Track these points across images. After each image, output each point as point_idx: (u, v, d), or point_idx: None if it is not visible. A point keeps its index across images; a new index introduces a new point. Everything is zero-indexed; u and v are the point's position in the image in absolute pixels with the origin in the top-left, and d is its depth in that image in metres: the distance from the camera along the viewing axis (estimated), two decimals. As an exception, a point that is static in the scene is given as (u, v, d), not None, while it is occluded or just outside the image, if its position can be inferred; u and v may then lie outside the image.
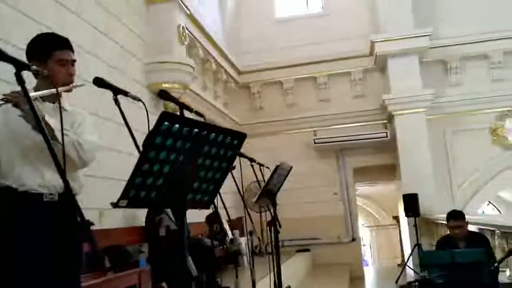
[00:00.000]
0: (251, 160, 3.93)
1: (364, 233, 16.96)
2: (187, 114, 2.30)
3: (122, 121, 1.87)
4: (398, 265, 11.41)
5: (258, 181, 3.75)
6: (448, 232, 4.43)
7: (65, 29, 4.68)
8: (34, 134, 1.93)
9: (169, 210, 2.51)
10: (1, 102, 1.74)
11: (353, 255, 10.03)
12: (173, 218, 1.91)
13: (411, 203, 8.48)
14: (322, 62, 10.34)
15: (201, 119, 2.48)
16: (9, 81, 3.65)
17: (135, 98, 2.02)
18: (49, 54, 2.13)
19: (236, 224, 8.85)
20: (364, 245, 16.50)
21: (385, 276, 9.91)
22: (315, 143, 10.02)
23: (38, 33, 4.27)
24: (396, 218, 10.87)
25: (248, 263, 7.60)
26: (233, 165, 4.05)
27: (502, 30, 9.39)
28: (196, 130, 1.59)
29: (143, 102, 1.99)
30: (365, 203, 16.20)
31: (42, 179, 1.99)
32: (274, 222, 3.61)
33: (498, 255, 4.39)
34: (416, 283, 3.66)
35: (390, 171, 10.40)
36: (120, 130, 5.12)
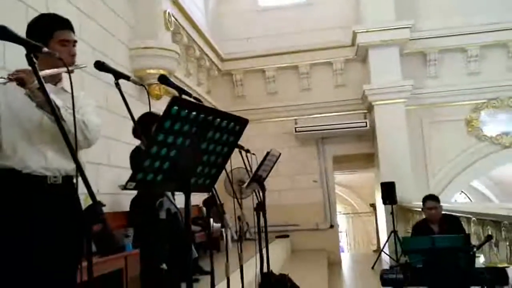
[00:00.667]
0: (240, 147, 3.99)
1: (341, 220, 17.28)
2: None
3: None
4: (374, 251, 11.71)
5: (246, 167, 3.82)
6: (423, 217, 4.62)
7: (50, 11, 4.64)
8: (38, 113, 1.95)
9: (169, 194, 2.57)
10: (6, 80, 1.74)
11: (331, 242, 10.23)
12: (173, 201, 1.98)
13: (388, 191, 8.69)
14: (305, 51, 10.41)
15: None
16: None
17: (137, 82, 2.06)
18: (51, 34, 2.12)
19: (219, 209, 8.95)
20: (340, 232, 16.83)
21: (361, 262, 10.15)
22: (296, 131, 10.13)
23: (23, 14, 4.24)
24: (373, 205, 11.10)
25: (233, 247, 7.73)
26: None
27: (480, 24, 9.62)
28: (202, 115, 1.65)
29: (145, 87, 2.03)
30: (343, 191, 16.46)
31: (45, 161, 2.00)
32: (263, 207, 3.68)
33: (474, 241, 4.58)
34: (398, 268, 3.79)
35: (369, 159, 10.61)
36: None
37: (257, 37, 10.61)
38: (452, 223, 4.46)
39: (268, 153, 3.66)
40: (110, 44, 5.85)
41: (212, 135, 1.76)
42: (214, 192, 2.31)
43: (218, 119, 1.74)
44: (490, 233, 4.64)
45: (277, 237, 10.01)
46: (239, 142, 5.62)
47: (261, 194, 3.66)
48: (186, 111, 1.57)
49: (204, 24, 9.57)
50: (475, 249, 3.55)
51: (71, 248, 2.03)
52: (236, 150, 4.11)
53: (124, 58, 6.22)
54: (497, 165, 10.13)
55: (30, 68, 1.92)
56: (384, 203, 8.79)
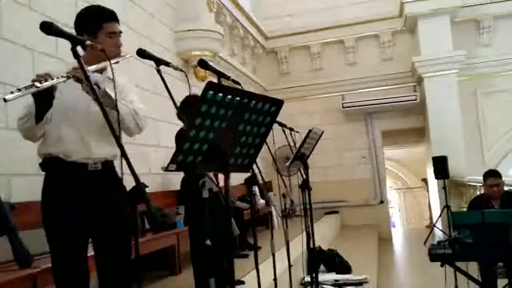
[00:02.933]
0: (283, 125, 4.03)
1: (393, 196, 17.03)
2: (224, 82, 2.42)
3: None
4: (426, 226, 11.50)
5: (289, 145, 3.86)
6: (483, 192, 4.47)
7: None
8: (86, 105, 2.07)
9: (211, 174, 2.67)
10: (65, 78, 1.85)
11: (381, 217, 10.15)
12: (215, 181, 2.06)
13: (440, 165, 8.46)
14: (350, 25, 10.22)
15: (238, 87, 2.58)
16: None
17: (177, 68, 2.12)
18: (99, 26, 2.21)
19: (267, 187, 9.09)
20: (392, 207, 16.62)
21: (413, 237, 10.03)
22: (343, 107, 10.02)
23: (67, 4, 4.41)
24: (425, 180, 10.87)
25: (281, 224, 7.86)
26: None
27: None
28: (237, 98, 1.70)
29: (184, 72, 2.09)
30: (393, 166, 16.17)
31: (89, 151, 2.12)
32: (307, 184, 3.73)
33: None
34: (446, 243, 3.74)
35: (419, 134, 10.36)
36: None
37: (300, 13, 10.49)
38: (515, 199, 4.28)
39: (310, 131, 3.68)
40: (154, 28, 5.99)
41: (249, 117, 1.81)
42: (257, 170, 2.37)
43: (253, 102, 1.79)
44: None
45: (327, 213, 10.06)
46: (283, 121, 5.77)
47: (304, 172, 3.68)
48: (221, 95, 1.63)
49: (248, 3, 9.56)
50: (526, 224, 3.44)
51: (117, 227, 2.15)
52: (280, 128, 4.15)
53: (169, 41, 6.35)
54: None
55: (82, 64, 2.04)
56: (436, 177, 8.58)
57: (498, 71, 9.40)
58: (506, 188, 4.81)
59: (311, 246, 3.76)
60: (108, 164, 2.20)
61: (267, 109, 1.88)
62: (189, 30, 6.45)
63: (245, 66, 9.49)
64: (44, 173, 2.17)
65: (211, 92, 1.60)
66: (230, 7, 8.21)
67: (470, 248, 3.81)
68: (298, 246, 4.53)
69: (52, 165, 2.13)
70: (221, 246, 2.72)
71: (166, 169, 1.63)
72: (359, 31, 10.24)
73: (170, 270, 4.46)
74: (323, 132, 4.04)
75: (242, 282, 3.82)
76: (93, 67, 2.10)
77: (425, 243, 8.47)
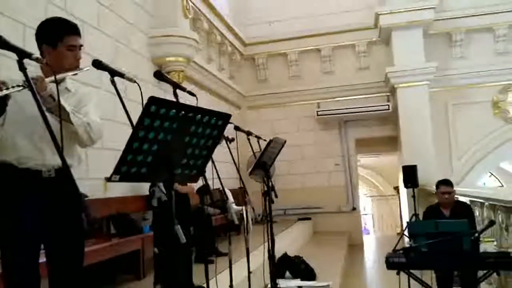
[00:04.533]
0: (248, 133, 4.11)
1: (367, 203, 17.25)
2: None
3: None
4: (397, 234, 11.69)
5: (254, 153, 3.94)
6: (436, 201, 4.63)
7: (69, 5, 4.84)
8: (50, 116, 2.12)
9: (161, 184, 2.74)
10: (21, 88, 1.87)
11: (353, 224, 10.32)
12: (164, 190, 2.13)
13: (410, 174, 8.63)
14: (327, 34, 10.40)
15: (194, 98, 2.65)
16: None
17: (131, 80, 2.18)
18: (60, 39, 2.27)
19: (239, 193, 9.16)
20: (366, 214, 16.82)
21: (384, 244, 10.17)
22: (318, 115, 10.17)
23: (45, 9, 4.44)
24: (397, 188, 11.06)
25: (250, 229, 7.93)
26: (232, 138, 4.26)
27: (508, 2, 9.34)
28: (182, 112, 1.78)
29: (138, 84, 2.14)
30: (368, 174, 16.40)
31: (43, 159, 2.16)
32: (268, 193, 3.81)
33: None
34: (401, 251, 3.86)
35: (392, 142, 10.55)
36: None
37: (279, 20, 10.64)
38: (463, 209, 4.46)
39: (271, 141, 3.77)
40: (129, 34, 6.03)
41: (195, 130, 1.89)
42: (206, 181, 2.45)
43: (199, 115, 1.86)
44: (501, 218, 4.65)
45: (300, 219, 10.18)
46: (262, 126, 5.95)
47: (266, 180, 3.77)
48: (165, 109, 1.70)
49: (226, 9, 9.65)
50: (477, 234, 3.58)
51: (69, 234, 2.20)
52: (245, 137, 4.24)
53: (143, 46, 6.40)
54: (525, 148, 9.91)
55: (43, 76, 2.09)
56: (406, 186, 8.75)
57: (469, 84, 9.66)
58: (462, 199, 4.99)
59: (271, 253, 3.81)
60: (62, 172, 2.24)
61: (214, 122, 1.96)
62: (163, 36, 6.50)
63: (222, 73, 9.56)
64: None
65: (154, 106, 1.67)
66: (206, 13, 8.29)
67: (425, 257, 3.94)
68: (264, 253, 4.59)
69: (4, 171, 2.17)
70: (170, 253, 2.81)
71: (109, 179, 1.69)
72: (335, 41, 10.42)
73: (135, 274, 4.49)
74: (285, 141, 4.13)
75: (204, 288, 3.88)
76: (61, 75, 2.16)
77: (394, 250, 8.62)
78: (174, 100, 2.41)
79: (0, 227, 2.16)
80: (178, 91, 2.42)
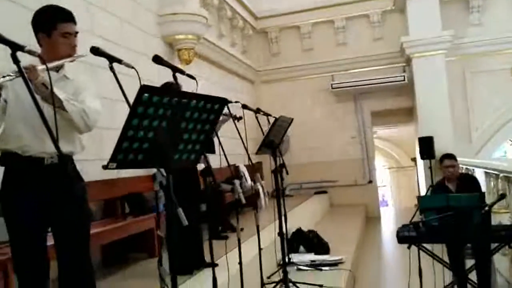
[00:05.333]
0: (256, 111, 4.10)
1: (385, 175, 17.17)
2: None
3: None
4: (415, 205, 11.65)
5: (262, 131, 3.93)
6: (442, 177, 4.61)
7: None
8: (41, 104, 2.15)
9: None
10: (13, 77, 1.90)
11: (369, 197, 10.32)
12: (165, 175, 2.15)
13: (426, 145, 8.58)
14: (340, 5, 10.19)
15: (194, 81, 2.66)
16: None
17: (128, 65, 2.17)
18: (54, 26, 2.28)
19: (257, 168, 9.24)
20: (384, 186, 16.76)
21: (402, 216, 10.15)
22: (332, 88, 10.07)
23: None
24: (414, 160, 10.98)
25: (265, 205, 8.01)
26: (239, 116, 4.27)
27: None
28: (176, 99, 1.79)
29: (136, 70, 2.15)
30: (386, 145, 16.26)
31: (44, 147, 2.20)
32: (276, 171, 3.83)
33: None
34: (411, 226, 3.86)
35: (409, 114, 10.43)
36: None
37: (291, -7, 10.44)
38: (469, 182, 4.41)
39: (277, 119, 3.75)
40: (138, 13, 6.00)
41: (190, 115, 1.90)
42: (208, 163, 2.48)
43: (194, 101, 1.87)
44: (515, 190, 4.59)
45: (316, 193, 10.21)
46: (274, 101, 6.00)
47: (279, 157, 3.78)
48: (158, 97, 1.71)
49: (237, -17, 9.52)
50: (487, 208, 3.55)
51: (74, 216, 2.25)
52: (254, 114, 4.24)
53: (153, 25, 6.37)
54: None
55: (34, 65, 2.11)
56: (422, 158, 8.71)
57: (487, 51, 9.40)
58: (477, 172, 4.93)
59: (281, 230, 3.85)
60: (65, 158, 2.29)
61: (209, 107, 1.96)
62: (172, 14, 6.46)
63: (235, 48, 9.50)
64: (3, 167, 2.28)
65: (146, 95, 1.68)
66: (216, -12, 8.19)
67: (435, 231, 3.94)
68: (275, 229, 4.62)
69: (9, 159, 2.23)
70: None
71: (106, 167, 1.72)
72: (349, 11, 10.22)
73: (148, 253, 4.59)
74: (292, 119, 4.11)
75: (216, 265, 3.95)
76: (53, 64, 2.17)
77: (410, 222, 8.60)
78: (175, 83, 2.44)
79: (6, 214, 2.24)
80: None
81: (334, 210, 9.86)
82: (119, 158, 1.75)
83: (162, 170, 1.98)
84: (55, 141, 1.61)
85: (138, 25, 5.98)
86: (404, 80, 9.56)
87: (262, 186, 7.99)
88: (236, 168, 7.90)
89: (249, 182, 7.72)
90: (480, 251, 4.07)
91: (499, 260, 4.95)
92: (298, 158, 10.36)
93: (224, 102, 2.01)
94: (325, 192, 10.29)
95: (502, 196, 3.79)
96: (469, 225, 3.75)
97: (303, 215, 7.56)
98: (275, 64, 10.70)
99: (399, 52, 9.79)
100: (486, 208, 3.57)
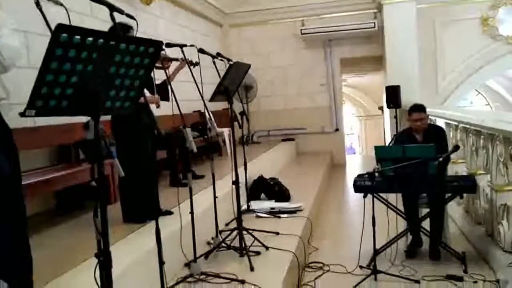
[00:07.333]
0: (213, 56, 3.92)
1: (354, 123, 17.31)
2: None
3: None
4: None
5: (220, 77, 3.76)
6: (409, 126, 4.52)
7: None
8: None
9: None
10: None
11: (336, 145, 10.38)
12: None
13: (393, 94, 8.55)
14: None
15: (133, 22, 2.47)
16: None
17: (56, 2, 2.00)
18: None
19: (222, 115, 9.09)
20: (352, 134, 16.96)
21: (367, 163, 10.30)
22: (302, 33, 9.83)
23: None
24: (382, 108, 11.02)
25: (231, 152, 7.96)
26: (196, 62, 4.07)
27: None
28: (101, 40, 1.62)
29: (65, 7, 1.97)
30: (355, 93, 16.27)
31: None
32: (232, 120, 3.71)
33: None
34: (366, 175, 3.86)
35: (378, 62, 10.34)
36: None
37: None
38: (436, 133, 4.34)
39: (231, 66, 3.59)
40: None
41: (121, 59, 1.74)
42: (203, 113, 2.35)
43: (123, 44, 1.71)
44: (472, 140, 4.62)
45: (283, 140, 10.21)
46: (243, 45, 5.77)
47: (242, 105, 3.66)
48: (79, 37, 1.55)
49: None
50: (441, 159, 3.56)
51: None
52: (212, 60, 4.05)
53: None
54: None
55: None
56: (388, 106, 8.71)
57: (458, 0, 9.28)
58: (439, 122, 4.92)
59: (238, 179, 3.79)
60: None
61: (143, 50, 1.81)
62: (130, -52, 6.04)
63: (200, -12, 9.07)
64: None
65: (64, 34, 1.51)
66: None
67: (392, 181, 3.96)
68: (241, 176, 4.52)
69: None
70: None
71: (23, 114, 1.57)
72: (321, -48, 9.82)
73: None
74: (249, 66, 3.95)
75: (170, 213, 3.91)
76: None
77: (374, 170, 8.72)
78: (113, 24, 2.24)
79: None
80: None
81: (300, 157, 9.91)
82: (38, 105, 1.59)
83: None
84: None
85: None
86: (374, 27, 9.39)
87: (228, 133, 7.90)
88: (202, 114, 7.75)
89: (215, 127, 7.61)
90: (434, 201, 4.12)
91: (453, 209, 5.09)
92: (266, 105, 10.27)
93: (159, 45, 1.86)
94: (292, 139, 10.29)
95: (455, 148, 3.81)
96: (424, 176, 3.78)
97: (267, 163, 7.56)
98: (243, 6, 10.32)
99: (371, -3, 9.57)
100: (441, 159, 3.59)
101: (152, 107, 3.50)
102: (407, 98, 8.62)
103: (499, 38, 9.25)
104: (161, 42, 1.86)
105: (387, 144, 9.72)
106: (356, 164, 11.47)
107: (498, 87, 13.17)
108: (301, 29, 9.81)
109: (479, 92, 13.83)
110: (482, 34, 9.33)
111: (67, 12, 1.97)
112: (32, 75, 1.55)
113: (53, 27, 1.51)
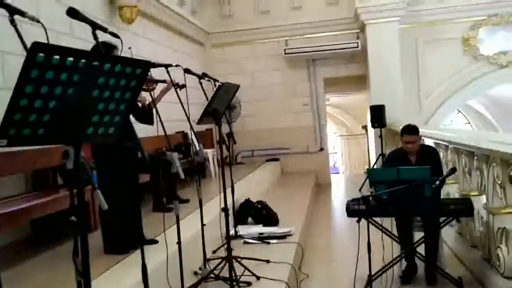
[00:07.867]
0: (200, 77, 3.77)
1: (336, 142, 17.29)
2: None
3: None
4: (365, 172, 11.76)
5: (207, 98, 3.60)
6: (400, 146, 4.40)
7: None
8: None
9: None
10: None
11: (320, 164, 10.28)
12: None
13: (377, 114, 8.52)
14: (295, -34, 9.79)
15: (118, 40, 2.31)
16: None
17: (33, 19, 1.83)
18: None
19: (206, 135, 8.90)
20: (335, 153, 16.91)
21: (352, 182, 10.22)
22: (285, 53, 9.79)
23: None
24: (365, 127, 10.99)
25: (215, 173, 7.77)
26: (182, 84, 3.91)
27: None
28: (83, 60, 1.45)
29: (42, 24, 1.80)
30: (338, 112, 16.27)
31: None
32: (221, 141, 3.54)
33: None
34: (361, 200, 3.71)
35: (361, 81, 10.33)
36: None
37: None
38: (430, 154, 4.23)
39: (220, 87, 3.43)
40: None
41: (105, 81, 1.57)
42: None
43: (108, 65, 1.54)
44: (464, 161, 4.53)
45: (267, 160, 10.06)
46: (229, 65, 5.60)
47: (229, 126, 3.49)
48: (58, 57, 1.37)
49: None
50: (437, 182, 3.43)
51: None
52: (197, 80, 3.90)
53: (90, -21, 5.81)
54: (493, 86, 9.85)
55: None
56: (373, 126, 8.67)
57: (440, 19, 9.37)
58: (427, 142, 4.82)
59: (227, 206, 3.61)
60: None
61: (130, 72, 1.64)
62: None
63: (183, 8, 8.96)
64: None
65: (41, 54, 1.34)
66: None
67: (386, 204, 3.82)
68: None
69: None
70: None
71: (-7, 145, 1.38)
72: (304, -27, 9.85)
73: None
74: (238, 86, 3.80)
75: (155, 241, 3.69)
76: None
77: (360, 189, 8.62)
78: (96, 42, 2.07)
79: None
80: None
81: (286, 178, 9.75)
82: (11, 133, 1.40)
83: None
84: None
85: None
86: (357, 47, 9.41)
87: (212, 154, 7.72)
88: (185, 135, 7.56)
89: (203, 151, 7.41)
90: (429, 225, 3.99)
91: (446, 231, 4.96)
92: (250, 124, 10.14)
93: (147, 65, 1.69)
94: (277, 159, 10.15)
95: (452, 171, 3.70)
96: (420, 199, 3.66)
97: (253, 184, 7.39)
98: (227, 26, 10.24)
99: (353, 17, 9.59)
100: (437, 182, 3.47)
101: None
102: (392, 117, 8.61)
103: (480, 58, 9.33)
104: (149, 62, 1.70)
105: (371, 164, 9.67)
106: (341, 183, 11.38)
107: (479, 106, 13.30)
108: (284, 49, 9.78)
109: (459, 111, 13.95)
110: (464, 54, 9.41)
111: (45, 30, 1.80)
112: (8, 97, 1.37)
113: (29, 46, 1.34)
